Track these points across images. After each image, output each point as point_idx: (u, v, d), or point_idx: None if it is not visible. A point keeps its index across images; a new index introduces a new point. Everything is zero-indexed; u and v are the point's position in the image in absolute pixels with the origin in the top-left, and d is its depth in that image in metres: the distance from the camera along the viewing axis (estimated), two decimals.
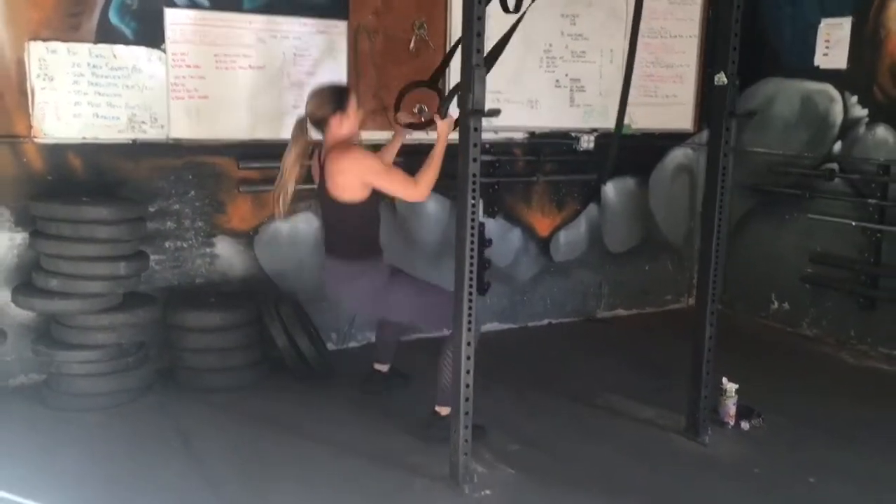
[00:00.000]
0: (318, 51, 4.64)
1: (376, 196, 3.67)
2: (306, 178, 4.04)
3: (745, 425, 3.99)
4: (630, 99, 5.43)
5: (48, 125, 4.10)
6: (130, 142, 4.28)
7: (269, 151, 4.56)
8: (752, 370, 4.49)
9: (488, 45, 3.22)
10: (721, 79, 3.61)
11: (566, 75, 5.40)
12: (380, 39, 4.79)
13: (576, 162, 5.54)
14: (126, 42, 4.20)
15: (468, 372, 3.24)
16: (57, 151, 4.15)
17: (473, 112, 3.08)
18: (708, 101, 3.83)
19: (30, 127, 4.07)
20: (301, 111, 3.85)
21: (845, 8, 5.20)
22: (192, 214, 4.50)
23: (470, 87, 3.07)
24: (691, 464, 3.65)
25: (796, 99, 5.56)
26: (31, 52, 4.01)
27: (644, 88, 5.66)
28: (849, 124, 5.27)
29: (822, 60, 5.37)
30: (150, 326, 4.17)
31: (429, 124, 3.85)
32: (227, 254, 4.62)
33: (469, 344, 3.23)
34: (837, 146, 5.34)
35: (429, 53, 4.91)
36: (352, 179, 3.56)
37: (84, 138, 4.18)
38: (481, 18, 3.04)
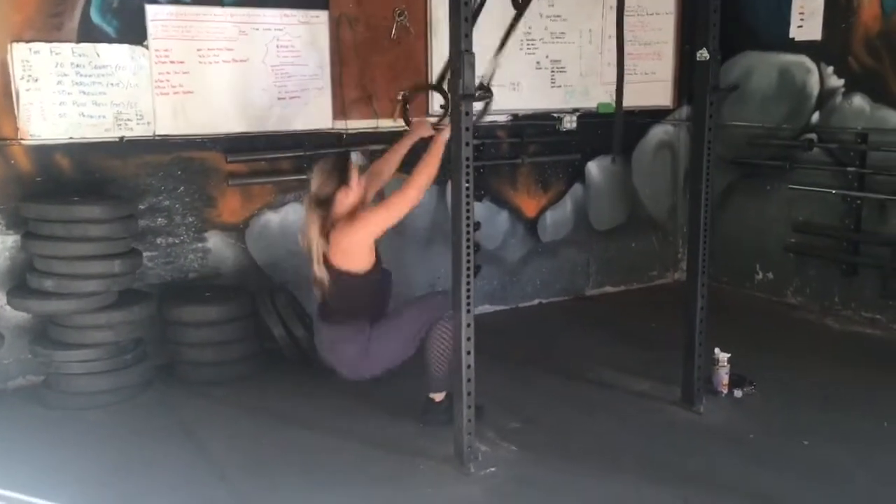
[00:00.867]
0: (301, 41, 4.66)
1: (378, 264, 3.69)
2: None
3: (738, 393, 4.09)
4: (608, 77, 5.59)
5: (34, 126, 4.09)
6: (117, 140, 4.27)
7: (256, 144, 4.62)
8: (742, 340, 4.57)
9: (485, 37, 3.24)
10: (703, 54, 3.67)
11: (546, 57, 5.45)
12: (361, 28, 4.81)
13: (559, 142, 5.60)
14: (109, 40, 4.20)
15: (469, 353, 3.29)
16: (45, 152, 4.14)
17: (464, 97, 3.12)
18: (691, 77, 3.87)
19: (16, 129, 4.06)
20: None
21: None
22: (182, 210, 4.52)
23: (460, 73, 3.11)
24: (688, 432, 3.74)
25: (773, 71, 5.64)
26: (15, 54, 4.00)
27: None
28: (826, 95, 5.36)
29: (797, 32, 5.45)
30: (146, 323, 4.18)
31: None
32: (219, 247, 4.64)
33: (469, 325, 3.27)
34: (815, 117, 5.43)
35: (410, 40, 4.95)
36: (359, 242, 3.56)
37: (71, 138, 4.18)
38: (468, 3, 3.07)
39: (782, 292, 5.72)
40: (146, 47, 4.27)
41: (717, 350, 4.10)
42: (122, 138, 4.28)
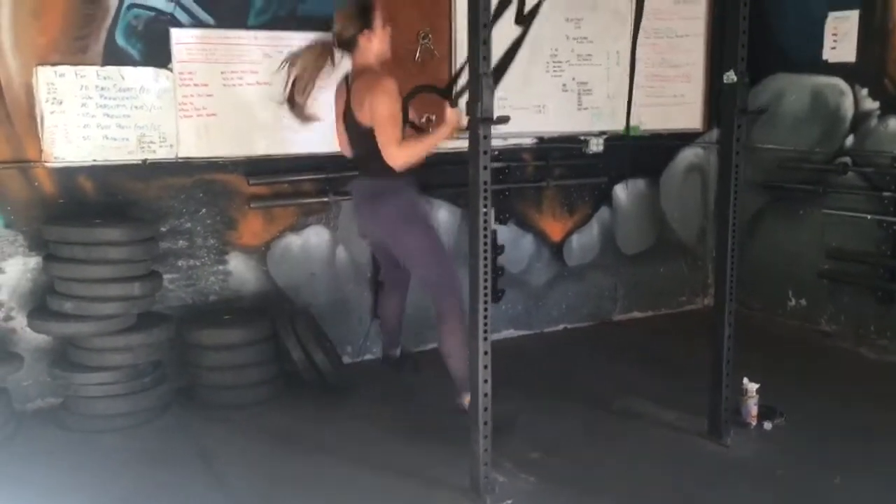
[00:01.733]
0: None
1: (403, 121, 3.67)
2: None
3: (767, 425, 3.96)
4: (637, 100, 5.52)
5: (58, 149, 4.10)
6: (140, 162, 4.28)
7: (279, 167, 4.59)
8: (772, 369, 4.44)
9: (496, 55, 3.23)
10: (730, 77, 3.58)
11: (573, 79, 5.38)
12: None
13: (585, 165, 5.52)
14: (133, 63, 4.21)
15: (486, 381, 3.22)
16: (68, 174, 4.16)
17: (483, 120, 3.07)
18: (718, 100, 3.79)
19: (40, 151, 4.07)
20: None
21: (852, 1, 5.16)
22: (203, 232, 4.50)
23: (478, 96, 3.06)
24: (714, 466, 3.62)
25: (805, 94, 5.52)
26: (40, 77, 4.02)
27: (651, 89, 5.65)
28: (860, 117, 5.22)
29: (830, 54, 5.32)
30: (165, 345, 4.17)
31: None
32: (239, 270, 4.62)
33: (486, 353, 3.20)
34: (850, 140, 5.29)
35: (434, 63, 4.91)
36: (378, 113, 3.56)
37: (94, 160, 4.18)
38: (487, 26, 3.03)
39: (816, 320, 5.57)
40: (170, 70, 4.28)
41: (745, 380, 3.98)
42: (145, 160, 4.28)
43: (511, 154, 5.27)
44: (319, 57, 3.69)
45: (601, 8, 5.36)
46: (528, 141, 5.33)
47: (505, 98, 5.13)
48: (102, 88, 4.16)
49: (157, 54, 4.25)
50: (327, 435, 3.92)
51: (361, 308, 4.94)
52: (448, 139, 3.76)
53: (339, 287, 4.87)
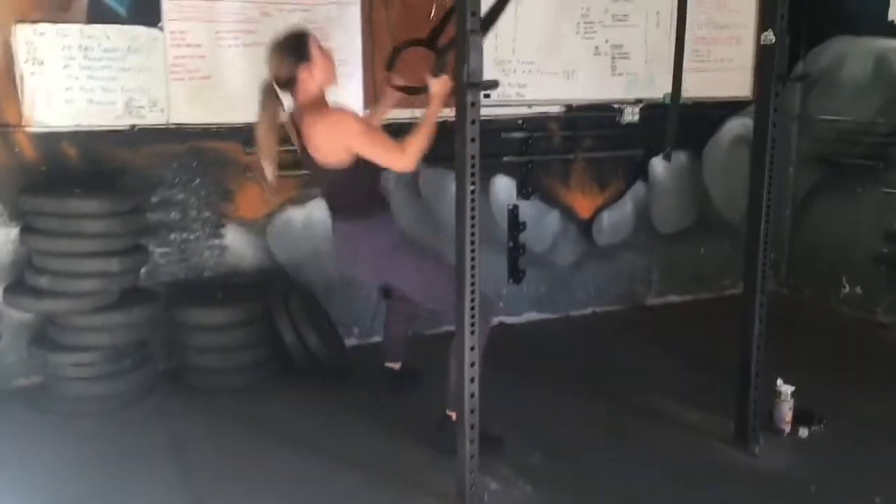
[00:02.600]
0: (330, 23, 4.29)
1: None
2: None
3: (803, 432, 3.53)
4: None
5: (39, 112, 3.86)
6: (128, 128, 4.01)
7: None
8: (817, 364, 4.02)
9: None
10: (768, 37, 3.12)
11: (606, 41, 4.93)
12: (396, 8, 4.41)
13: (619, 136, 5.08)
14: (120, 21, 3.93)
15: (472, 380, 2.87)
16: (50, 140, 3.91)
17: (469, 85, 2.69)
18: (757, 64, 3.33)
19: (20, 115, 3.84)
20: None
21: None
22: (197, 204, 4.23)
23: (465, 57, 2.68)
24: (737, 479, 3.21)
25: (869, 59, 4.99)
26: (19, 36, 3.77)
27: (696, 53, 5.13)
28: None
29: None
30: (151, 325, 3.92)
31: (424, 90, 3.28)
32: (237, 244, 4.34)
33: (473, 349, 2.85)
34: None
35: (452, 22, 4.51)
36: (333, 144, 3.16)
37: (78, 126, 3.93)
38: None
39: (871, 309, 5.06)
40: (161, 29, 4.00)
41: (779, 381, 3.54)
42: (133, 126, 4.02)
43: (536, 123, 4.87)
44: (273, 116, 3.30)
45: None
46: (555, 109, 4.92)
47: (532, 62, 4.75)
48: (86, 48, 3.90)
49: (147, 12, 3.97)
50: (312, 426, 3.62)
51: (369, 286, 4.62)
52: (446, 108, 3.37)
53: None
